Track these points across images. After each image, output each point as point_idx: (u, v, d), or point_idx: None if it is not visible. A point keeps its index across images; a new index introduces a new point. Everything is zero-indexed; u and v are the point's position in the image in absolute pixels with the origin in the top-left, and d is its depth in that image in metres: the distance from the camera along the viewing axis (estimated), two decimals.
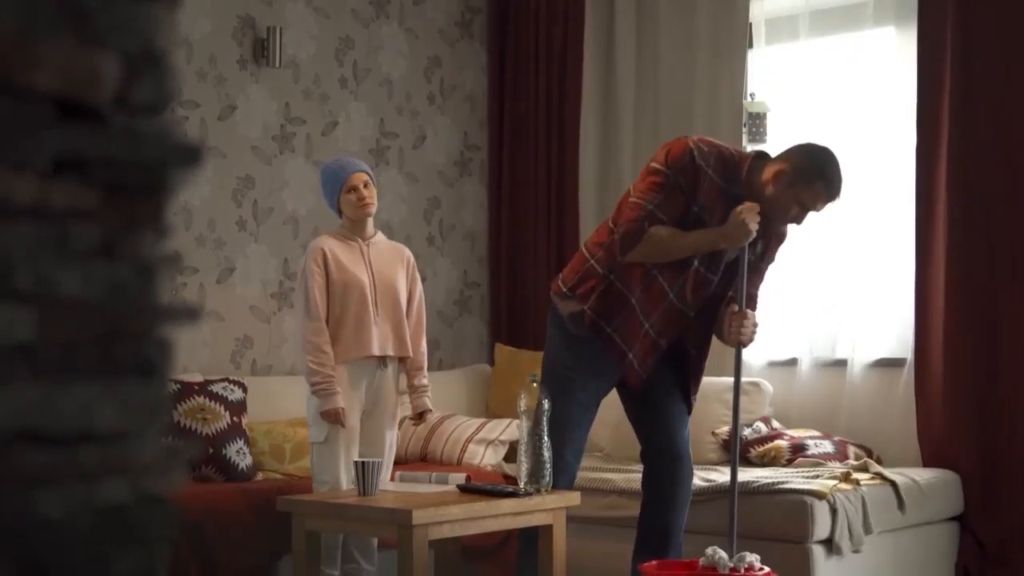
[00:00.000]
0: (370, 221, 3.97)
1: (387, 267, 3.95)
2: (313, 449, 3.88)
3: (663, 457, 3.63)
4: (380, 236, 4.02)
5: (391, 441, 3.96)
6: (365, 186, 3.90)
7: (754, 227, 3.29)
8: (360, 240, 3.93)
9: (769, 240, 3.54)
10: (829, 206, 3.39)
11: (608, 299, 3.45)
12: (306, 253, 3.92)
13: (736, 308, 3.45)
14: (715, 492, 4.04)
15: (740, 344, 3.48)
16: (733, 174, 3.39)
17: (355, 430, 3.85)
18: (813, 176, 3.32)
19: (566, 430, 3.59)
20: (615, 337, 3.46)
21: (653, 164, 3.41)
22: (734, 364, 3.54)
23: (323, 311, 3.81)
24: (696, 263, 3.40)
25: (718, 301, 3.51)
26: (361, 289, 3.85)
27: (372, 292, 3.88)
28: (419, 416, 4.01)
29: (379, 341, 3.88)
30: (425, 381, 4.01)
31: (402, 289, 3.96)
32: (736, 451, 3.57)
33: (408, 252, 4.06)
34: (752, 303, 3.58)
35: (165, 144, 1.00)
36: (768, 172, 3.36)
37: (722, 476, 4.15)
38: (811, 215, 3.40)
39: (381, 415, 3.93)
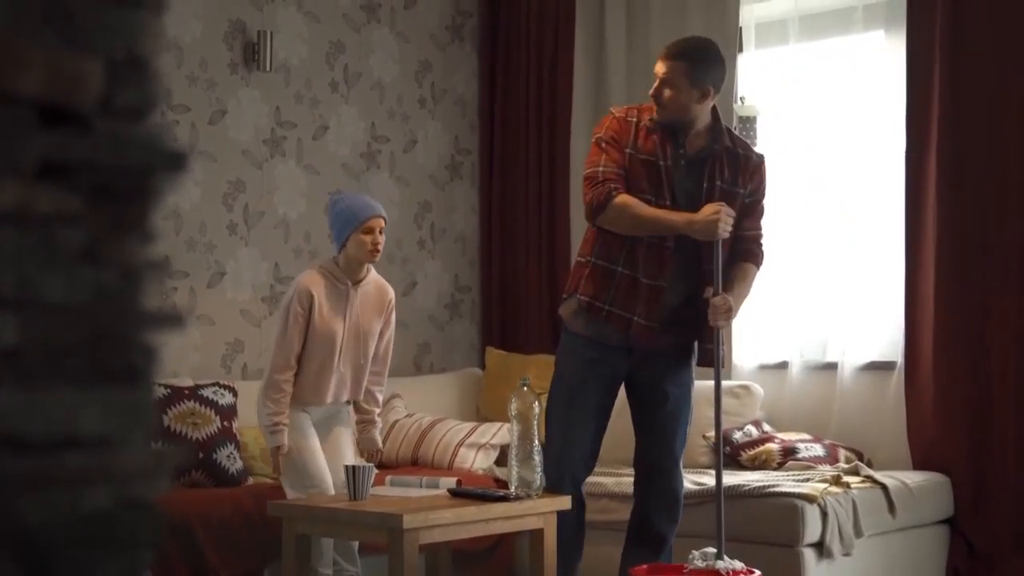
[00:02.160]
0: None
1: (366, 315, 3.91)
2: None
3: (652, 470, 3.66)
4: (371, 275, 3.95)
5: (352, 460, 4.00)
6: (380, 232, 3.84)
7: (723, 231, 3.43)
8: (350, 283, 3.86)
9: (739, 168, 3.59)
10: (661, 64, 3.54)
11: (596, 279, 3.57)
12: (294, 289, 3.84)
13: (711, 292, 3.50)
14: (707, 495, 4.04)
15: (716, 327, 3.52)
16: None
17: (312, 433, 3.89)
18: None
19: (570, 434, 3.63)
20: (614, 310, 3.54)
21: (591, 142, 3.68)
22: (713, 351, 3.56)
23: (297, 351, 3.83)
24: (661, 202, 3.53)
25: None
26: (332, 340, 3.84)
27: (342, 342, 3.87)
28: (368, 458, 4.02)
29: (335, 390, 3.90)
30: (376, 418, 4.02)
31: (374, 334, 3.94)
32: (720, 440, 3.59)
33: (391, 294, 3.99)
34: (755, 247, 3.64)
35: (150, 149, 1.00)
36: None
37: (713, 480, 4.15)
38: (663, 85, 3.53)
39: (336, 442, 3.97)
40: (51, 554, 0.96)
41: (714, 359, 3.55)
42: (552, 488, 3.66)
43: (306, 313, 3.79)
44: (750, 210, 3.63)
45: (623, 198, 3.49)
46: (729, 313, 3.51)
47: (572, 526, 3.71)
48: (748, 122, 5.01)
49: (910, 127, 4.61)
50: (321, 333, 3.82)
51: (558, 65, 5.53)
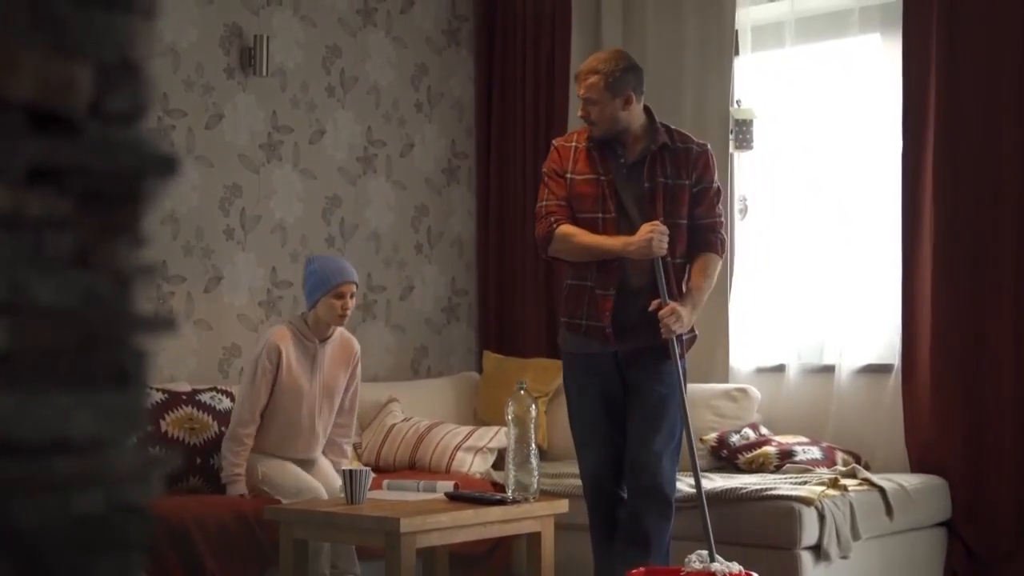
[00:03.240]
0: None
1: (332, 371, 4.10)
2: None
3: (634, 465, 3.70)
4: (337, 331, 4.13)
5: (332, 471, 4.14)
6: (351, 296, 4.01)
7: (658, 249, 3.55)
8: (317, 341, 4.05)
9: (679, 161, 3.68)
10: (579, 87, 3.72)
11: (571, 298, 3.75)
12: (263, 344, 4.02)
13: (657, 305, 3.60)
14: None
15: (669, 337, 3.60)
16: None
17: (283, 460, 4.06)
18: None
19: (589, 446, 3.75)
20: (590, 323, 3.68)
21: None
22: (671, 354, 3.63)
23: (262, 405, 3.99)
24: (607, 215, 3.67)
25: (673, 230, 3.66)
26: (299, 396, 4.01)
27: (311, 399, 4.05)
28: None
29: (306, 445, 4.08)
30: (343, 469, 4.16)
31: (341, 388, 4.13)
32: (692, 444, 3.64)
33: (357, 348, 4.19)
34: (711, 235, 3.71)
35: (140, 153, 1.00)
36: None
37: (710, 483, 4.15)
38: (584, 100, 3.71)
39: (319, 467, 4.13)
40: (43, 557, 0.96)
41: (672, 357, 3.62)
42: (589, 499, 3.77)
43: (274, 368, 3.96)
44: (699, 199, 3.72)
45: (563, 229, 3.67)
46: (679, 321, 3.58)
47: (603, 530, 3.76)
48: (744, 125, 5.01)
49: (906, 130, 4.61)
50: (288, 389, 3.98)
51: (554, 69, 5.54)
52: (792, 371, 4.93)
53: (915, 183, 4.59)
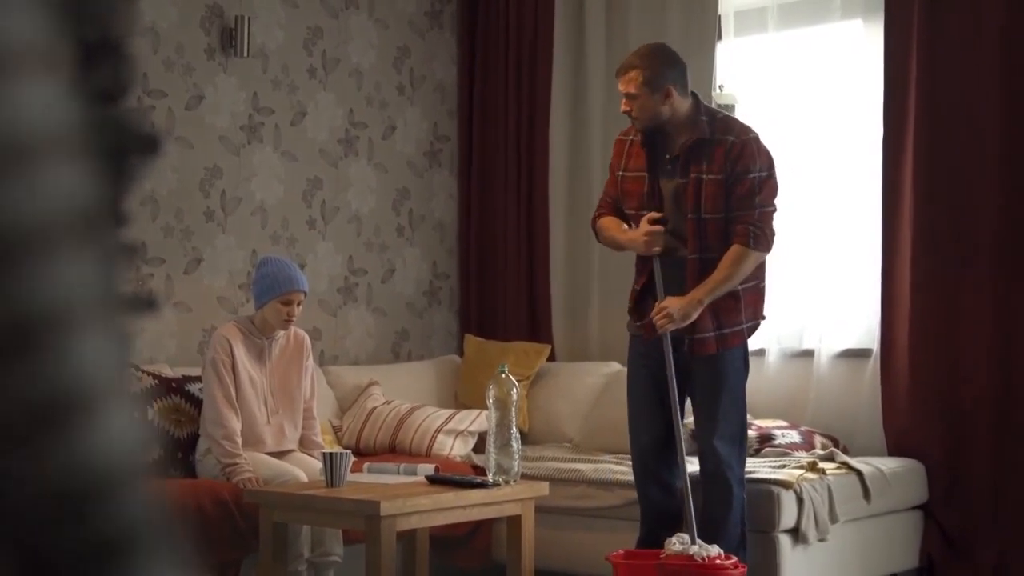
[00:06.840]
0: None
1: (285, 364, 4.13)
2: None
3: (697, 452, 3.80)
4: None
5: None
6: (298, 304, 4.05)
7: (648, 248, 3.70)
8: (265, 338, 4.09)
9: (715, 155, 3.69)
10: (619, 83, 3.76)
11: (634, 295, 3.88)
12: (212, 342, 4.05)
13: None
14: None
15: (662, 333, 3.68)
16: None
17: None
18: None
19: (635, 424, 3.86)
20: (644, 312, 3.78)
21: None
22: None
23: (233, 393, 3.99)
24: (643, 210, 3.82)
25: (703, 226, 3.73)
26: (252, 389, 4.03)
27: (268, 393, 4.07)
28: None
29: (273, 439, 4.08)
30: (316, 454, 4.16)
31: (297, 384, 4.14)
32: (679, 430, 3.69)
33: (307, 340, 4.22)
34: (741, 228, 3.70)
35: (123, 132, 0.99)
36: None
37: (690, 466, 4.16)
38: (627, 102, 3.76)
39: (295, 456, 4.14)
40: (29, 536, 0.95)
41: (666, 350, 3.70)
42: (636, 479, 3.84)
43: (229, 359, 3.98)
44: (731, 191, 3.71)
45: (601, 222, 3.89)
46: (668, 318, 3.64)
47: (651, 514, 3.80)
48: (727, 110, 5.01)
49: (887, 116, 4.63)
50: (242, 384, 4.00)
51: (537, 51, 5.53)
52: (772, 356, 4.95)
53: (895, 169, 4.61)
